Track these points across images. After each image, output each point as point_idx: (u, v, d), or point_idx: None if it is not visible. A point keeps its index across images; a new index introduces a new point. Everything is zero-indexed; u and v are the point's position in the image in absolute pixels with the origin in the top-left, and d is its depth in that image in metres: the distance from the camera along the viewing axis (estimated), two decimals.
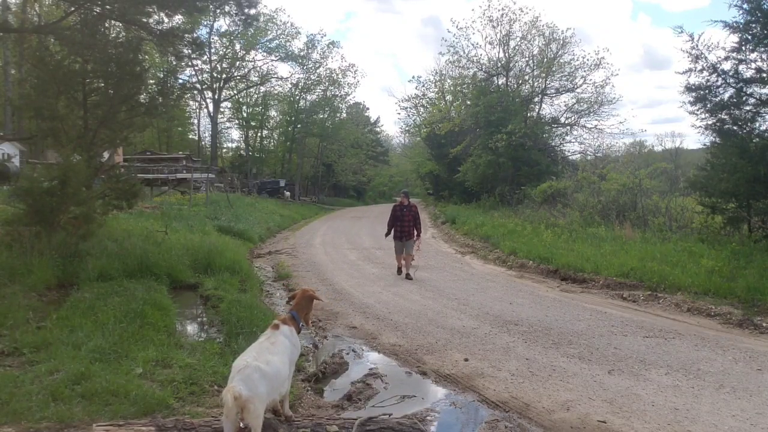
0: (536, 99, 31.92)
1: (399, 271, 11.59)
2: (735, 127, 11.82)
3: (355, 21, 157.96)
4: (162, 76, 14.75)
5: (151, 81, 12.92)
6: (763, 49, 11.26)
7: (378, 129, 70.03)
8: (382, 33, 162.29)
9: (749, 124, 11.82)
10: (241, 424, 3.17)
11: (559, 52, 30.27)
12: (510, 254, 13.91)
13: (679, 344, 6.56)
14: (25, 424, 3.75)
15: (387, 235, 11.73)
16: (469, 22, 50.89)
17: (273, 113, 51.95)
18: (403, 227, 11.32)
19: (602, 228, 15.04)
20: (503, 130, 27.53)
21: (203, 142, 50.90)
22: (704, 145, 12.87)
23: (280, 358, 3.47)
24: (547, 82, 31.27)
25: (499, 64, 32.05)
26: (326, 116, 49.86)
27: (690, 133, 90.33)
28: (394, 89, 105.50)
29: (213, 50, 42.32)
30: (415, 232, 11.35)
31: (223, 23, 41.50)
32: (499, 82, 32.57)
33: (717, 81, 11.83)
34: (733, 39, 11.79)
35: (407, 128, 51.06)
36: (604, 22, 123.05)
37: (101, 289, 7.67)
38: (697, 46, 11.71)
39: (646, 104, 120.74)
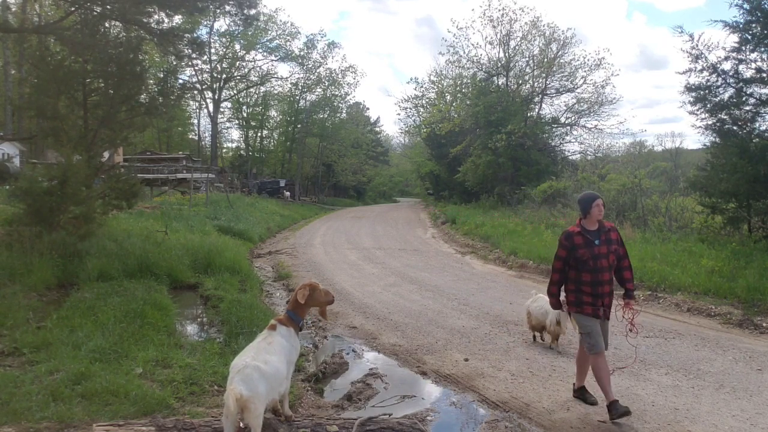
0: (536, 99, 31.93)
1: (617, 412, 4.33)
2: (735, 127, 11.82)
3: (349, 21, 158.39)
4: (162, 76, 14.70)
5: (151, 81, 12.90)
6: (763, 49, 11.26)
7: (378, 129, 70.07)
8: (376, 33, 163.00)
9: (749, 124, 11.82)
10: (241, 424, 3.17)
11: (560, 52, 30.28)
12: (510, 254, 13.91)
13: (679, 344, 6.56)
14: (25, 424, 3.75)
15: (555, 302, 4.85)
16: (468, 22, 51.15)
17: (273, 113, 52.04)
18: (602, 281, 4.55)
19: None
20: (503, 130, 27.55)
21: (203, 142, 50.96)
22: (704, 145, 12.89)
23: (277, 357, 3.47)
24: (547, 82, 31.28)
25: (499, 64, 32.05)
26: (326, 116, 49.89)
27: (690, 133, 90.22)
28: (390, 89, 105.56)
29: (213, 50, 42.37)
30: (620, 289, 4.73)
31: (223, 23, 41.59)
32: (499, 82, 32.57)
33: (717, 81, 11.83)
34: (733, 39, 11.81)
35: (407, 128, 51.17)
36: (599, 22, 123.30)
37: (101, 289, 7.67)
38: (697, 46, 11.72)
39: (644, 104, 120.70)
